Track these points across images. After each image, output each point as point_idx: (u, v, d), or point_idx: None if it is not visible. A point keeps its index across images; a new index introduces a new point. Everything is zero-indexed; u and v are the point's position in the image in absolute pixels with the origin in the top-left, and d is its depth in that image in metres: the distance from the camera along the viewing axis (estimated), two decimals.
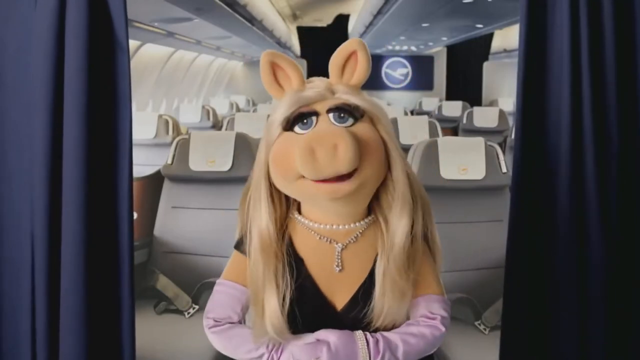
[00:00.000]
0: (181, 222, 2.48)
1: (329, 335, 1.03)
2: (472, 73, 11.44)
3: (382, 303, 1.04)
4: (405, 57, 12.35)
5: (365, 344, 1.03)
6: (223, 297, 1.12)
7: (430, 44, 10.25)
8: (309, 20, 11.56)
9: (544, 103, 1.42)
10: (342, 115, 1.02)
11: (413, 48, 11.37)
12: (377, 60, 12.17)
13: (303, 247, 1.09)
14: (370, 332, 1.05)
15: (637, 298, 1.44)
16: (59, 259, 1.33)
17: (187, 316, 2.29)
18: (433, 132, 3.85)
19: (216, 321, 1.11)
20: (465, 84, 11.66)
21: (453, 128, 6.19)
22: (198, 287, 2.33)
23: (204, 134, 2.78)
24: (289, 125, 1.03)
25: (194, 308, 2.30)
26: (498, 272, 1.50)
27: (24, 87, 1.36)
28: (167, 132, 3.74)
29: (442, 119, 6.12)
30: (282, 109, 1.05)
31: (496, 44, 10.27)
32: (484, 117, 5.87)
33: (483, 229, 2.29)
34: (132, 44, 5.07)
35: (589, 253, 1.40)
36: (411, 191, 1.07)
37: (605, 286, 1.40)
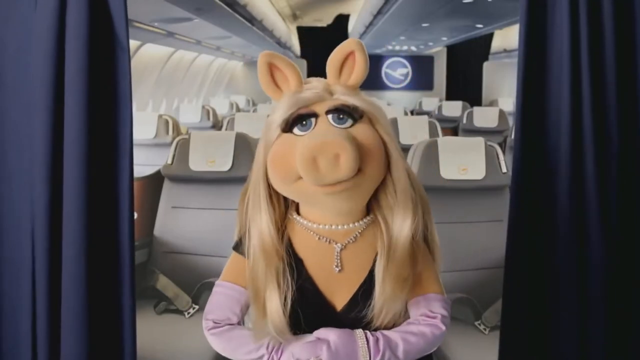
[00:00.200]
0: (181, 222, 2.48)
1: (329, 334, 1.03)
2: (472, 73, 11.44)
3: (382, 303, 1.04)
4: (405, 57, 12.35)
5: (365, 342, 1.03)
6: (222, 298, 1.12)
7: (430, 44, 10.25)
8: (309, 20, 11.56)
9: (544, 103, 1.42)
10: (341, 116, 1.02)
11: (413, 48, 11.37)
12: (377, 60, 12.17)
13: (302, 248, 1.08)
14: (370, 331, 1.05)
15: (637, 298, 1.44)
16: (59, 259, 1.33)
17: (187, 316, 2.29)
18: (433, 132, 3.85)
19: (215, 323, 1.11)
20: (465, 84, 11.66)
21: (453, 128, 6.19)
22: (198, 287, 2.33)
23: (204, 134, 2.78)
24: (287, 127, 1.03)
25: (194, 308, 2.30)
26: (498, 272, 1.50)
27: (24, 87, 1.36)
28: (167, 132, 3.74)
29: (442, 119, 6.12)
30: (280, 111, 1.05)
31: (496, 44, 10.27)
32: (484, 117, 5.87)
33: (483, 229, 2.29)
34: (132, 44, 5.07)
35: (589, 253, 1.40)
36: (412, 191, 1.07)
37: (605, 286, 1.40)
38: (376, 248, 1.07)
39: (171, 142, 2.60)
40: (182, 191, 2.51)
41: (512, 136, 2.43)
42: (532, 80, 1.42)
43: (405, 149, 2.14)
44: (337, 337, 1.03)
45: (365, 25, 7.75)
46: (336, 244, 1.08)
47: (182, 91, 8.04)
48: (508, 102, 8.58)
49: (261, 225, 1.07)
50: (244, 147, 2.47)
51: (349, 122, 1.02)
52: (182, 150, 2.49)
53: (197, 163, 2.46)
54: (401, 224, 1.05)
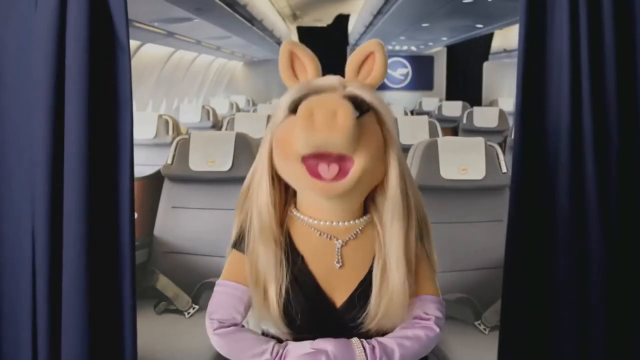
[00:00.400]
0: (181, 222, 2.48)
1: (327, 345, 1.03)
2: (472, 73, 11.44)
3: (379, 305, 1.04)
4: (405, 57, 12.34)
5: (362, 350, 1.03)
6: (224, 297, 1.12)
7: (430, 44, 10.25)
8: (309, 20, 11.56)
9: (544, 103, 1.42)
10: None
11: (413, 48, 11.37)
12: None
13: (303, 244, 1.09)
14: (366, 336, 1.06)
15: (637, 298, 1.44)
16: (60, 259, 1.33)
17: (187, 316, 2.29)
18: (433, 132, 3.85)
19: (221, 322, 1.10)
20: (465, 84, 11.66)
21: (453, 128, 6.19)
22: (198, 287, 2.33)
23: (204, 134, 2.78)
24: (295, 108, 1.03)
25: (194, 308, 2.30)
26: (498, 272, 1.50)
27: (24, 87, 1.36)
28: (167, 132, 3.74)
29: (442, 119, 6.13)
30: (290, 93, 1.06)
31: (496, 44, 10.27)
32: (484, 117, 5.87)
33: (483, 229, 2.29)
34: (132, 44, 5.07)
35: (589, 253, 1.40)
36: (406, 196, 1.07)
37: (605, 286, 1.40)
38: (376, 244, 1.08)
39: (171, 142, 2.59)
40: (182, 191, 2.51)
41: (512, 136, 2.44)
42: (532, 80, 1.42)
43: (405, 149, 2.14)
44: (334, 346, 1.03)
45: (365, 25, 7.75)
46: (337, 240, 1.08)
47: (182, 91, 8.04)
48: (508, 102, 8.58)
49: (260, 203, 1.07)
50: (244, 147, 2.47)
51: (356, 113, 1.02)
52: (182, 150, 2.49)
53: (197, 163, 2.46)
54: (391, 229, 1.05)
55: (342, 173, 0.99)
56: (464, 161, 2.27)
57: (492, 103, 9.53)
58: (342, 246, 1.08)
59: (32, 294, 1.36)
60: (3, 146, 1.39)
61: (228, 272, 1.14)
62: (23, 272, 1.37)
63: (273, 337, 1.10)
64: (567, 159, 1.39)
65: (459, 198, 2.27)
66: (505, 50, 9.64)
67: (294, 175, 1.04)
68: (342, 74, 1.11)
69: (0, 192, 1.40)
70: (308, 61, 1.09)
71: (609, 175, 1.40)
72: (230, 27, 5.56)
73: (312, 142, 0.97)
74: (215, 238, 2.37)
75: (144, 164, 3.18)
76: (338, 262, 1.07)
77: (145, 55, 5.82)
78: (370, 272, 1.07)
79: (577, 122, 1.38)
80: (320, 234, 1.08)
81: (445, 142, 2.35)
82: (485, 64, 11.13)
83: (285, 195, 1.11)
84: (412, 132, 3.75)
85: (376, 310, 1.04)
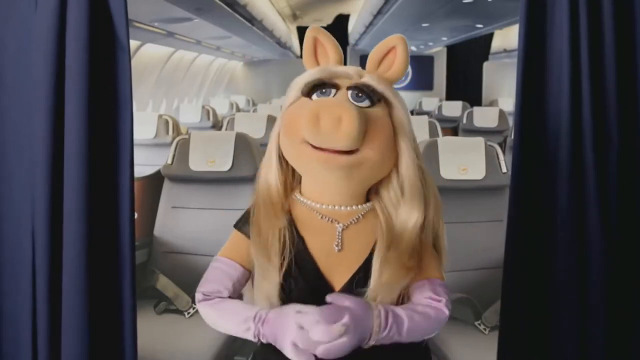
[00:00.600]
0: (181, 222, 2.48)
1: (345, 300, 1.01)
2: (472, 73, 11.44)
3: (377, 291, 1.04)
4: None
5: (379, 314, 1.02)
6: (216, 272, 1.14)
7: (430, 44, 10.24)
8: (309, 20, 11.55)
9: (544, 103, 1.42)
10: (359, 94, 1.04)
11: (413, 48, 11.36)
12: None
13: (305, 227, 1.10)
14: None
15: (637, 298, 1.44)
16: (60, 259, 1.33)
17: (187, 316, 2.29)
18: (433, 132, 3.85)
19: (205, 295, 1.12)
20: (465, 84, 11.66)
21: (453, 128, 6.19)
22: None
23: (204, 134, 2.78)
24: (307, 90, 1.06)
25: (193, 308, 2.30)
26: (498, 272, 1.50)
27: (24, 87, 1.36)
28: (167, 132, 3.74)
29: (442, 119, 6.13)
30: (307, 74, 1.09)
31: (496, 44, 10.27)
32: (484, 117, 5.87)
33: (483, 229, 2.29)
34: (132, 44, 5.07)
35: (589, 253, 1.40)
36: (424, 186, 1.08)
37: (605, 286, 1.40)
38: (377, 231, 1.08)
39: (171, 142, 2.60)
40: (182, 191, 2.51)
41: (512, 136, 2.44)
42: (532, 80, 1.42)
43: None
44: (355, 304, 1.00)
45: (365, 25, 7.74)
46: (338, 223, 1.08)
47: (182, 91, 8.04)
48: (508, 102, 8.59)
49: (270, 179, 1.10)
50: (244, 147, 2.48)
51: (367, 102, 1.04)
52: (182, 150, 2.49)
53: (197, 163, 2.47)
54: (407, 218, 1.06)
55: (346, 151, 1.01)
56: (464, 161, 2.27)
57: (492, 103, 9.54)
58: (343, 230, 1.08)
59: (32, 293, 1.36)
60: (3, 146, 1.39)
61: (225, 249, 1.16)
62: (23, 272, 1.37)
63: None
64: (567, 159, 1.39)
65: (458, 198, 2.28)
66: (505, 50, 9.64)
67: (297, 155, 1.06)
68: None
69: (0, 192, 1.40)
70: (331, 49, 1.11)
71: (609, 175, 1.40)
72: (230, 27, 5.56)
73: (315, 142, 1.00)
74: (215, 238, 2.35)
75: (144, 164, 3.18)
76: (337, 246, 1.08)
77: (145, 55, 5.82)
78: (370, 257, 1.07)
79: (577, 122, 1.38)
80: (322, 217, 1.09)
81: (445, 142, 2.35)
82: (485, 64, 11.13)
83: (292, 180, 1.13)
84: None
85: (374, 296, 1.04)
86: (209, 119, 5.53)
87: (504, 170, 2.29)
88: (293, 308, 1.01)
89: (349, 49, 11.16)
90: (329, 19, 11.42)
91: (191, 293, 2.33)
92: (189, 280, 2.34)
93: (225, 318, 1.09)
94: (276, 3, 8.50)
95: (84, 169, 1.30)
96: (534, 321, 1.45)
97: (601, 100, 1.38)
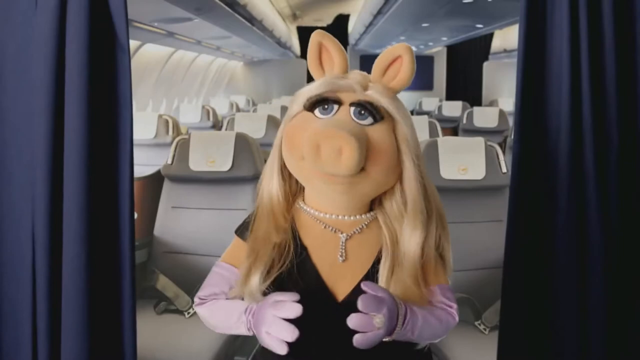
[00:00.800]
0: (181, 222, 2.48)
1: (379, 291, 1.00)
2: (472, 73, 11.44)
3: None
4: None
5: (403, 309, 1.02)
6: (215, 277, 1.15)
7: (430, 44, 10.23)
8: (309, 20, 11.56)
9: (544, 103, 1.42)
10: (362, 112, 1.03)
11: (413, 48, 11.32)
12: None
13: (308, 236, 1.09)
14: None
15: (637, 298, 1.44)
16: (60, 259, 1.33)
17: (187, 316, 2.29)
18: (433, 132, 3.85)
19: (201, 299, 1.15)
20: (465, 84, 11.66)
21: (453, 128, 6.20)
22: (198, 287, 2.33)
23: (204, 134, 2.79)
24: (310, 106, 1.05)
25: (193, 308, 2.30)
26: (498, 272, 1.50)
27: (24, 87, 1.36)
28: (167, 132, 3.74)
29: (442, 119, 6.13)
30: (310, 87, 1.07)
31: (496, 44, 10.27)
32: (484, 117, 5.88)
33: (483, 229, 2.29)
34: (132, 44, 5.07)
35: (589, 253, 1.40)
36: (427, 203, 1.07)
37: (605, 286, 1.40)
38: (381, 241, 1.08)
39: (171, 142, 2.60)
40: (182, 191, 2.51)
41: (512, 136, 2.44)
42: (532, 80, 1.42)
43: None
44: (388, 297, 1.00)
45: (365, 25, 7.74)
46: (342, 233, 1.08)
47: (182, 91, 8.03)
48: (508, 102, 8.59)
49: (272, 190, 1.10)
50: (244, 147, 2.48)
51: (369, 120, 1.02)
52: (182, 150, 2.49)
53: (197, 163, 2.47)
54: (410, 236, 1.05)
55: None
56: (464, 161, 2.27)
57: (492, 103, 9.54)
58: (346, 240, 1.08)
59: (32, 293, 1.36)
60: (3, 146, 1.39)
61: (225, 254, 1.17)
62: (23, 272, 1.37)
63: None
64: (567, 159, 1.39)
65: (458, 198, 2.28)
66: (505, 50, 9.64)
67: (298, 170, 1.06)
68: None
69: (0, 192, 1.40)
70: (336, 55, 1.08)
71: (609, 175, 1.40)
72: (230, 27, 5.56)
73: (317, 169, 0.99)
74: (215, 238, 2.37)
75: (144, 164, 3.18)
76: (341, 256, 1.07)
77: (145, 55, 5.81)
78: (373, 266, 1.07)
79: (577, 122, 1.38)
80: (325, 227, 1.09)
81: (445, 142, 2.35)
82: (485, 64, 11.13)
83: (295, 187, 1.13)
84: None
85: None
86: (209, 119, 5.54)
87: (504, 170, 2.28)
88: (272, 297, 1.02)
89: (349, 49, 11.16)
90: (329, 19, 11.42)
91: (191, 293, 2.33)
92: (189, 280, 2.34)
93: (220, 315, 1.11)
94: (276, 3, 8.50)
95: (84, 169, 1.30)
96: (534, 321, 1.45)
97: (601, 100, 1.38)
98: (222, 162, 2.45)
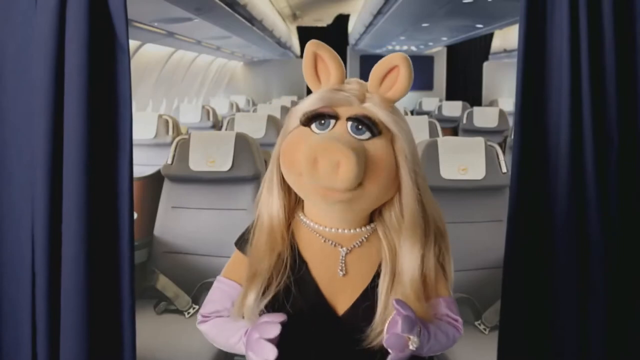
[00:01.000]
0: (181, 222, 2.48)
1: (407, 309, 0.98)
2: (472, 73, 11.43)
3: (384, 321, 1.01)
4: None
5: (419, 328, 1.01)
6: (216, 293, 1.14)
7: (430, 44, 10.23)
8: (309, 20, 11.55)
9: (544, 103, 1.42)
10: (360, 127, 1.01)
11: (413, 48, 11.35)
12: (377, 61, 12.05)
13: (307, 250, 1.08)
14: (370, 349, 1.02)
15: (637, 297, 1.44)
16: (59, 258, 1.33)
17: (187, 316, 2.29)
18: (433, 132, 3.85)
19: (204, 317, 1.14)
20: (465, 84, 11.66)
21: (453, 128, 6.20)
22: (198, 287, 2.33)
23: (204, 134, 2.79)
24: (306, 121, 1.02)
25: (193, 308, 2.30)
26: (498, 272, 1.50)
27: (24, 87, 1.36)
28: (167, 132, 3.74)
29: (442, 119, 6.13)
30: (307, 103, 1.05)
31: (496, 44, 10.26)
32: (484, 117, 5.88)
33: (483, 229, 2.29)
34: (132, 44, 5.06)
35: (589, 253, 1.40)
36: (425, 216, 1.06)
37: (605, 286, 1.40)
38: (381, 255, 1.06)
39: (171, 142, 2.60)
40: (182, 191, 2.51)
41: (512, 136, 2.44)
42: (532, 80, 1.42)
43: None
44: (413, 315, 0.98)
45: (365, 25, 7.74)
46: (342, 247, 1.07)
47: (182, 91, 8.03)
48: (508, 102, 8.59)
49: (272, 207, 1.08)
50: (244, 147, 2.48)
51: (367, 134, 1.01)
52: (182, 150, 2.49)
53: (197, 163, 2.47)
54: (408, 251, 1.04)
55: None
56: (464, 161, 2.27)
57: (492, 103, 9.54)
58: (346, 254, 1.07)
59: (32, 293, 1.36)
60: (3, 146, 1.39)
61: (226, 269, 1.16)
62: (23, 272, 1.37)
63: None
64: (567, 159, 1.39)
65: (459, 198, 2.28)
66: (505, 50, 9.63)
67: (296, 185, 1.05)
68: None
69: (0, 192, 1.40)
70: (332, 65, 1.06)
71: (609, 175, 1.40)
72: (230, 27, 5.55)
73: (314, 183, 0.98)
74: (215, 238, 2.37)
75: (144, 164, 3.18)
76: (342, 270, 1.06)
77: (145, 55, 5.81)
78: (373, 280, 1.06)
79: (577, 122, 1.38)
80: (324, 241, 1.07)
81: (445, 142, 2.35)
82: (485, 64, 11.13)
83: (295, 198, 1.11)
84: (412, 132, 3.74)
85: (382, 327, 1.01)
86: (209, 119, 5.53)
87: (504, 170, 2.28)
88: (262, 319, 1.02)
89: (349, 49, 11.16)
90: (329, 19, 11.42)
91: (191, 293, 2.33)
92: (189, 280, 2.35)
93: (222, 337, 1.11)
94: (276, 3, 8.50)
95: (83, 169, 1.30)
96: (534, 321, 1.45)
97: (601, 100, 1.38)
98: (222, 162, 2.45)
